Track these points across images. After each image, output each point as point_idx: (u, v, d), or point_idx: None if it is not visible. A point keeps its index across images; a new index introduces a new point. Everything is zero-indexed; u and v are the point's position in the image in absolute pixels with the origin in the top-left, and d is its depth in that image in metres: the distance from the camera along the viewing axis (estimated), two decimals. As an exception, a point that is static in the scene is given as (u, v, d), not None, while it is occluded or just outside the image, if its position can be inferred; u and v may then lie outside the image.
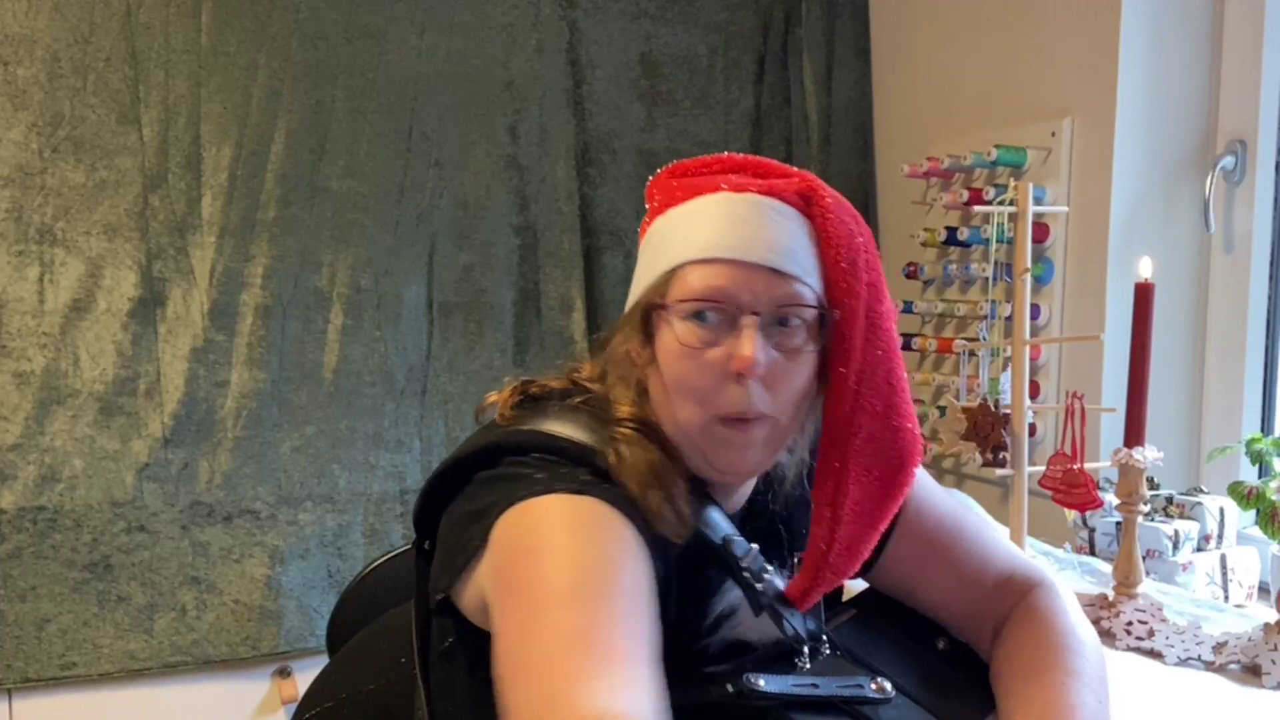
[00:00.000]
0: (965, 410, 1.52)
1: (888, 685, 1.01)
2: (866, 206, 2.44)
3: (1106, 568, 1.53)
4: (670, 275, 0.95)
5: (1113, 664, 1.23)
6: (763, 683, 0.96)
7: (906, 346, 2.19)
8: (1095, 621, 1.31)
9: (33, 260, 1.98)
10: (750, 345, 0.90)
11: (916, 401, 2.21)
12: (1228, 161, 1.76)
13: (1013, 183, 1.59)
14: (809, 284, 0.94)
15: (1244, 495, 1.25)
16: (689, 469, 0.99)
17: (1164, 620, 1.29)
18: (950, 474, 2.19)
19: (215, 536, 2.05)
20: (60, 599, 1.98)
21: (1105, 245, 1.80)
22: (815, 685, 0.99)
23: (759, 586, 0.99)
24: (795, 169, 1.02)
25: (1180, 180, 1.81)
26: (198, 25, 2.05)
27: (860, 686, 1.00)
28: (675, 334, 0.94)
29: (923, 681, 1.06)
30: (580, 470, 0.94)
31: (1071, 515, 1.55)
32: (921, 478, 1.13)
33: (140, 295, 2.03)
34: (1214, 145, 1.80)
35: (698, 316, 0.93)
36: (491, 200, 2.23)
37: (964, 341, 1.88)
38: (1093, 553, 1.65)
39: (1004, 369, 1.57)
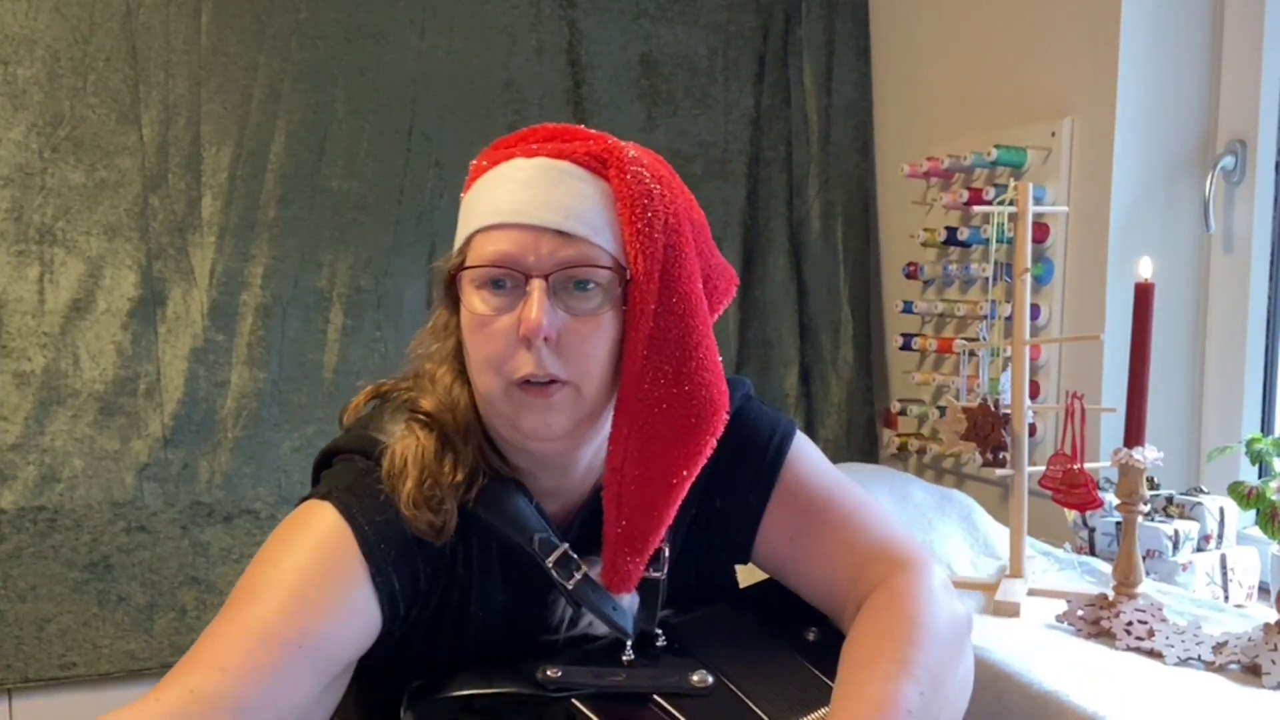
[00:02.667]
0: (965, 410, 1.52)
1: (709, 679, 1.00)
2: (866, 206, 2.44)
3: (1106, 568, 1.53)
4: (466, 244, 0.97)
5: (1113, 664, 1.23)
6: (558, 673, 0.97)
7: (907, 347, 2.19)
8: (1095, 621, 1.31)
9: (33, 260, 1.98)
10: (535, 309, 0.90)
11: (916, 401, 2.22)
12: (1228, 161, 1.76)
13: (1013, 183, 1.59)
14: (600, 245, 0.93)
15: (1244, 495, 1.25)
16: (501, 460, 1.00)
17: (1164, 620, 1.29)
18: (950, 474, 2.19)
19: (215, 536, 2.06)
20: (60, 599, 1.98)
21: (1105, 245, 1.80)
22: (622, 677, 0.99)
23: (569, 585, 0.99)
24: (601, 134, 1.00)
25: (1180, 180, 1.81)
26: (198, 25, 2.05)
27: (678, 680, 0.99)
28: (469, 305, 0.95)
29: (763, 674, 1.03)
30: (353, 473, 0.98)
31: (1071, 515, 1.55)
32: (806, 451, 1.14)
33: (140, 295, 2.03)
34: (1214, 145, 1.80)
35: (490, 285, 0.94)
36: (491, 200, 2.23)
37: (964, 341, 1.88)
38: (1093, 553, 1.65)
39: (1004, 369, 1.57)
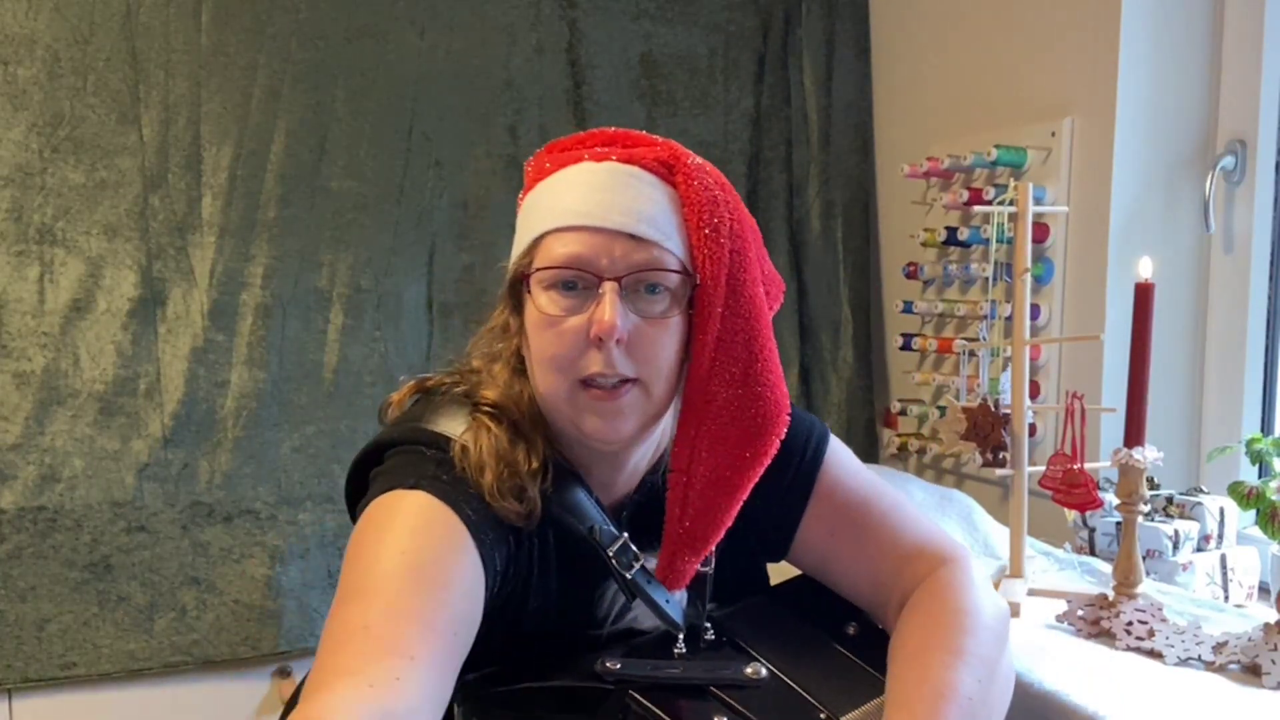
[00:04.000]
0: (965, 410, 1.52)
1: (762, 670, 1.01)
2: (867, 206, 2.44)
3: (1106, 568, 1.53)
4: (534, 245, 0.97)
5: (1113, 664, 1.23)
6: (617, 665, 0.97)
7: (907, 347, 2.19)
8: (1095, 621, 1.31)
9: (33, 260, 1.98)
10: (609, 310, 0.91)
11: (916, 401, 2.22)
12: (1228, 161, 1.76)
13: (1013, 183, 1.59)
14: (670, 250, 0.95)
15: (1244, 495, 1.25)
16: (557, 451, 1.01)
17: (1164, 620, 1.29)
18: (950, 474, 2.19)
19: (215, 536, 2.06)
20: (60, 599, 1.98)
21: (1105, 245, 1.80)
22: (679, 670, 1.00)
23: (628, 575, 1.00)
24: (662, 139, 1.02)
25: (1180, 180, 1.81)
26: (198, 25, 2.05)
27: (732, 672, 1.00)
28: (538, 305, 0.95)
29: (812, 667, 1.04)
30: (429, 463, 0.96)
31: (1071, 515, 1.55)
32: (840, 453, 1.15)
33: (140, 295, 2.03)
34: (1214, 145, 1.80)
35: (559, 286, 0.94)
36: (491, 200, 2.23)
37: (964, 341, 1.88)
38: (1093, 553, 1.65)
39: (1004, 369, 1.57)
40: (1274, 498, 1.23)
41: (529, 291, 0.97)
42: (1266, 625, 1.20)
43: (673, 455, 0.99)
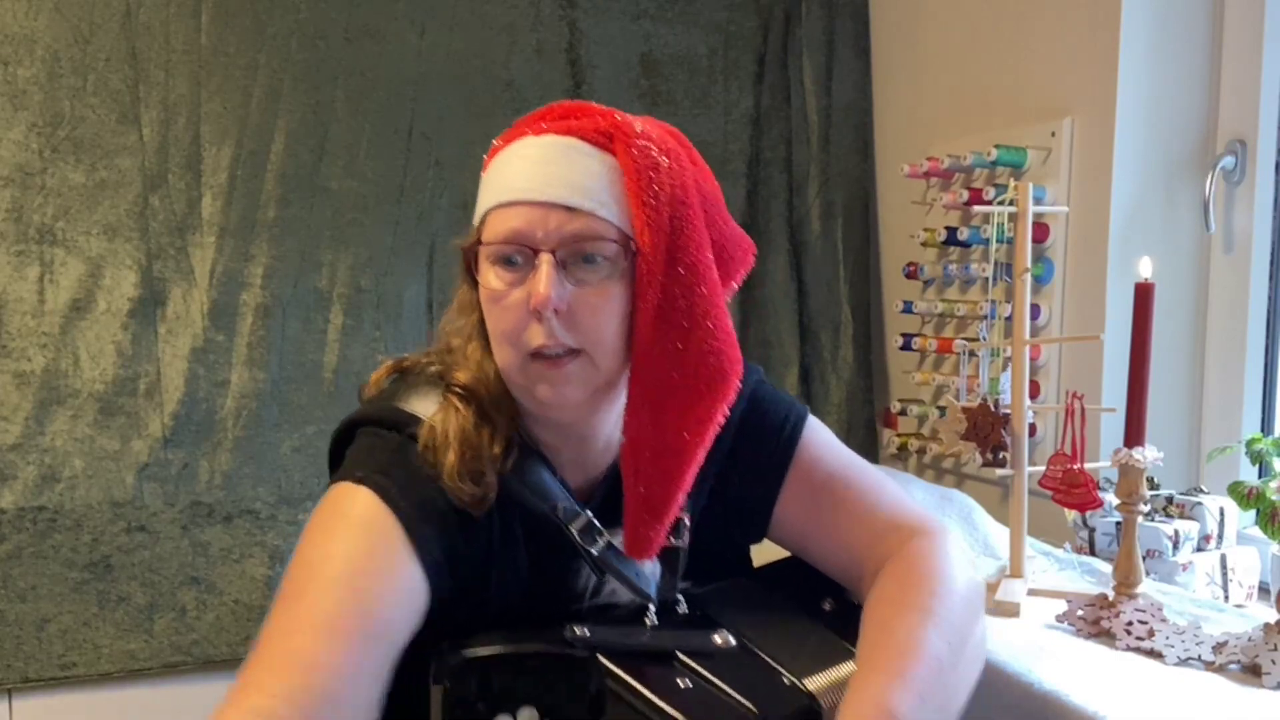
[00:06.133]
0: (965, 410, 1.52)
1: (731, 639, 1.01)
2: (866, 206, 2.44)
3: (1106, 568, 1.53)
4: (482, 222, 1.00)
5: (1113, 664, 1.23)
6: (585, 632, 0.98)
7: (907, 347, 2.19)
8: (1095, 621, 1.31)
9: (33, 260, 1.98)
10: (544, 283, 0.93)
11: (916, 401, 2.22)
12: (1228, 161, 1.76)
13: (1013, 183, 1.59)
14: (607, 219, 0.96)
15: (1244, 495, 1.25)
16: (526, 432, 1.03)
17: (1164, 620, 1.29)
18: (950, 474, 2.20)
19: (215, 536, 2.06)
20: (60, 599, 1.98)
21: (1105, 245, 1.80)
22: (647, 637, 1.01)
23: (593, 550, 1.02)
24: (610, 110, 1.02)
25: (1180, 180, 1.81)
26: (198, 25, 2.05)
27: (701, 640, 1.01)
28: (485, 280, 0.99)
29: (783, 638, 1.05)
30: (387, 450, 1.00)
31: (1071, 515, 1.55)
32: (818, 431, 1.17)
33: (140, 295, 2.03)
34: (1214, 145, 1.80)
35: (502, 261, 0.97)
36: (491, 200, 2.23)
37: (964, 341, 1.88)
38: (1093, 553, 1.65)
39: (1004, 369, 1.57)
40: (1274, 498, 1.23)
41: (478, 267, 1.00)
42: (1266, 625, 1.20)
43: (625, 425, 0.99)
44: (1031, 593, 1.46)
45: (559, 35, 2.28)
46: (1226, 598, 1.60)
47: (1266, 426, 1.78)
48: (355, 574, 0.92)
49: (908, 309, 2.19)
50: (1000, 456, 1.49)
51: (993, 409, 1.49)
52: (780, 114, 2.43)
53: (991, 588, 1.48)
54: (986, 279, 1.94)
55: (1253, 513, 1.25)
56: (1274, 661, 1.16)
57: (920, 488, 1.78)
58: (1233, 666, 1.20)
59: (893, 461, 2.33)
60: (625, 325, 0.98)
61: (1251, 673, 1.18)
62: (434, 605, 0.98)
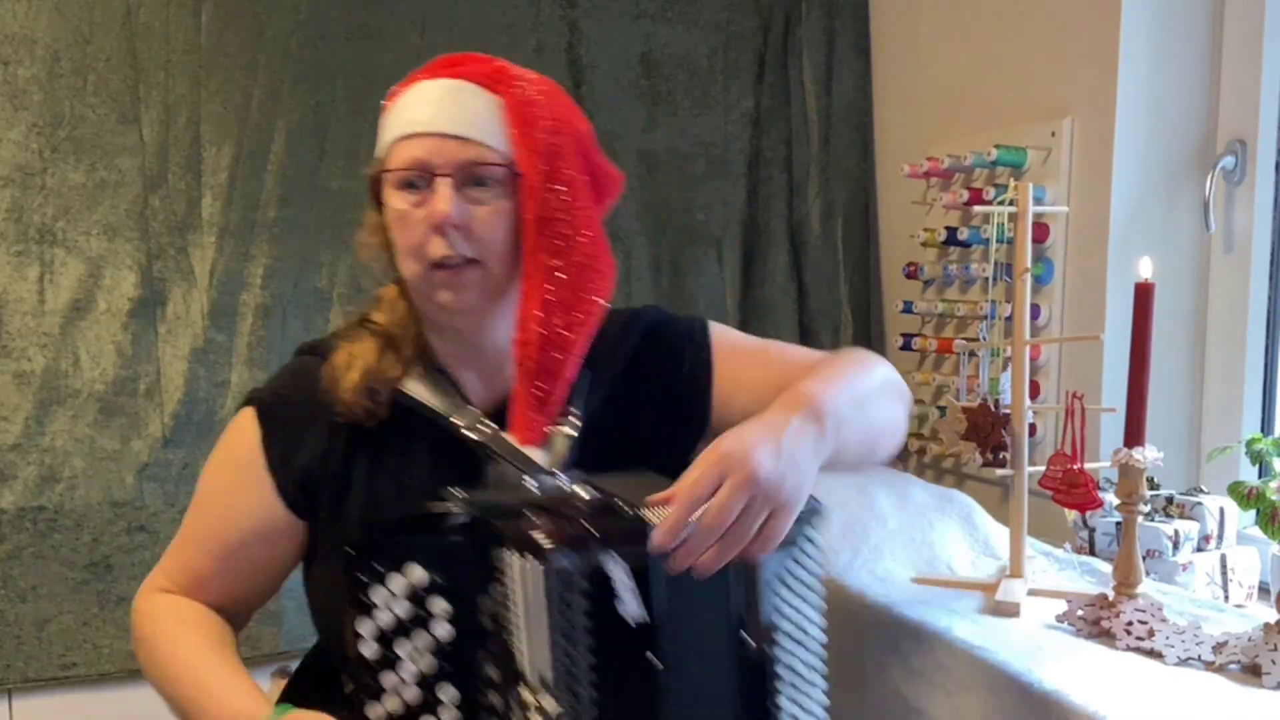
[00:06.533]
0: (965, 410, 1.52)
1: (596, 493, 1.09)
2: (866, 206, 2.44)
3: (1106, 568, 1.53)
4: (386, 154, 1.15)
5: (1113, 664, 1.23)
6: (461, 494, 1.09)
7: (907, 347, 2.19)
8: (1095, 621, 1.31)
9: (33, 260, 1.98)
10: (443, 201, 1.10)
11: (918, 401, 2.22)
12: (1228, 161, 1.76)
13: (1013, 183, 1.59)
14: (493, 147, 1.12)
15: (1244, 495, 1.25)
16: (433, 358, 1.20)
17: (1164, 620, 1.29)
18: (950, 474, 2.19)
19: (215, 536, 2.05)
20: (60, 599, 1.98)
21: (1105, 245, 1.80)
22: (518, 495, 1.11)
23: (474, 436, 1.16)
24: (494, 58, 1.19)
25: (1180, 180, 1.81)
26: (198, 25, 2.05)
27: (564, 494, 1.10)
28: (390, 203, 1.14)
29: (652, 489, 1.08)
30: (293, 368, 1.25)
31: (1071, 515, 1.55)
32: (725, 327, 1.36)
33: (140, 295, 2.03)
34: (1214, 145, 1.80)
35: (405, 186, 1.13)
36: (491, 200, 2.23)
37: (964, 341, 1.88)
38: (1093, 553, 1.65)
39: (1004, 369, 1.57)
40: (1274, 498, 1.23)
41: (384, 193, 1.15)
42: (1266, 625, 1.20)
43: (516, 322, 1.14)
44: (1031, 593, 1.46)
45: (559, 35, 2.28)
46: (1226, 598, 1.60)
47: (1266, 426, 1.78)
48: (216, 501, 1.23)
49: (908, 309, 2.19)
50: (1000, 456, 1.49)
51: (993, 409, 1.49)
52: (780, 114, 2.43)
53: (991, 588, 1.48)
54: (986, 279, 1.94)
55: (1253, 513, 1.25)
56: (1274, 661, 1.16)
57: (920, 488, 1.78)
58: (1233, 666, 1.20)
59: (893, 461, 2.33)
60: (514, 238, 1.14)
61: (1251, 673, 1.18)
62: (315, 501, 1.19)
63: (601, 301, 1.18)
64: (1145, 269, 1.34)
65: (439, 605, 1.05)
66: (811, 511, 1.07)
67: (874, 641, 1.45)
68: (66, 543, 1.99)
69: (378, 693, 1.05)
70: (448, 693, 1.05)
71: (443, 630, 1.05)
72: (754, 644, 1.05)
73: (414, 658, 1.05)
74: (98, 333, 2.01)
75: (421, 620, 1.05)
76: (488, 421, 1.17)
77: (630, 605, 0.98)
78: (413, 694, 1.05)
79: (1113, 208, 1.78)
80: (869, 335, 2.43)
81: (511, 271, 1.15)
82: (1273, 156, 1.75)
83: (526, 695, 1.00)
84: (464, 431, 1.16)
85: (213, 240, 2.07)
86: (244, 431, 1.22)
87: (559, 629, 0.98)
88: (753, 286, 2.41)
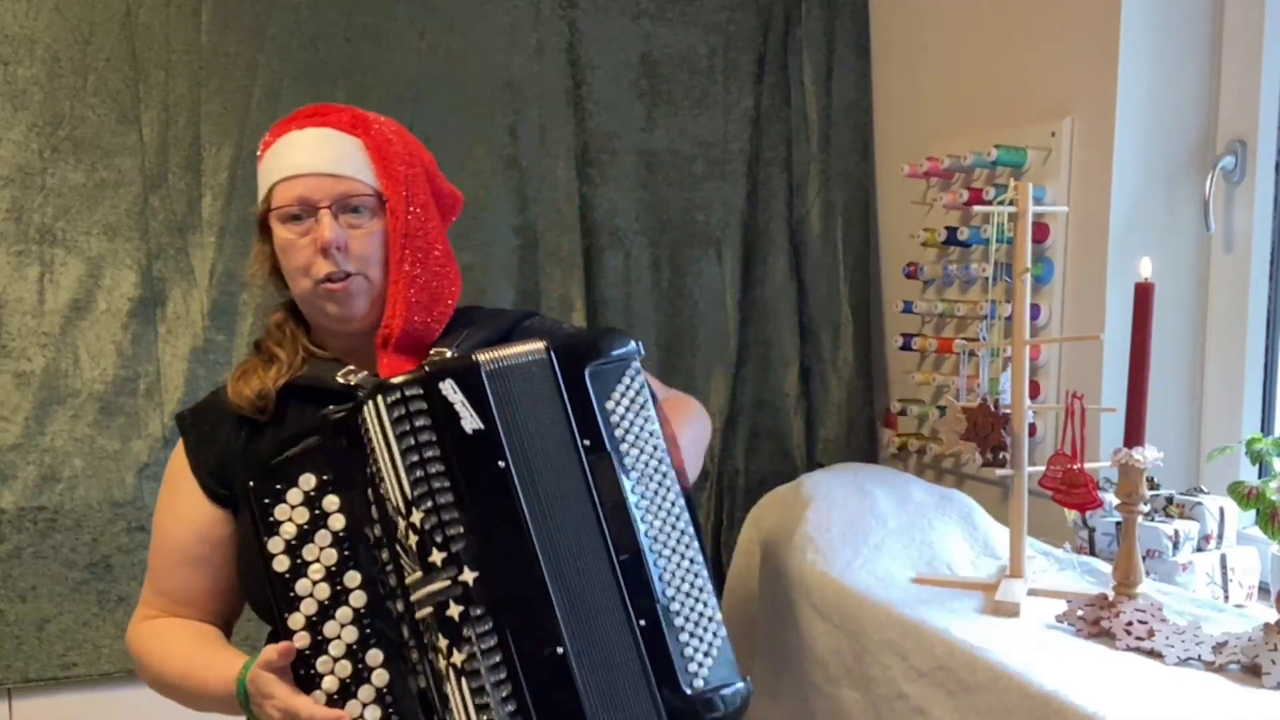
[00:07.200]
0: (965, 410, 1.52)
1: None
2: (866, 206, 2.44)
3: (1106, 568, 1.53)
4: (270, 194, 1.34)
5: (1113, 664, 1.23)
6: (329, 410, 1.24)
7: (907, 347, 2.19)
8: (1095, 621, 1.31)
9: (33, 260, 1.98)
10: (326, 229, 1.30)
11: (916, 401, 2.22)
12: (1228, 161, 1.76)
13: (1013, 183, 1.59)
14: (362, 180, 1.33)
15: (1244, 495, 1.25)
16: (316, 356, 1.38)
17: (1164, 620, 1.29)
18: (950, 474, 2.20)
19: (215, 536, 2.05)
20: (60, 599, 1.98)
21: (1105, 245, 1.80)
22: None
23: (343, 380, 1.32)
24: (350, 107, 1.39)
25: (1180, 180, 1.81)
26: (198, 25, 2.05)
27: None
28: (279, 235, 1.33)
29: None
30: (209, 395, 1.44)
31: (1071, 515, 1.55)
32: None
33: (140, 295, 2.03)
34: (1214, 145, 1.80)
35: (290, 219, 1.32)
36: (491, 200, 2.23)
37: (964, 341, 1.88)
38: (1093, 553, 1.65)
39: (1004, 369, 1.57)
40: (1274, 498, 1.23)
41: (274, 228, 1.34)
42: (1266, 625, 1.20)
43: (384, 316, 1.33)
44: (1031, 593, 1.46)
45: (559, 35, 2.28)
46: (1226, 598, 1.60)
47: (1266, 426, 1.78)
48: (163, 521, 1.41)
49: (908, 309, 2.19)
50: (1000, 456, 1.49)
51: (993, 409, 1.49)
52: (780, 114, 2.43)
53: (991, 588, 1.48)
54: (986, 279, 1.94)
55: (1253, 513, 1.25)
56: (1274, 661, 1.16)
57: (920, 488, 1.78)
58: (1233, 666, 1.20)
59: (893, 461, 2.33)
60: (384, 252, 1.34)
61: (1251, 673, 1.18)
62: (232, 495, 1.34)
63: (452, 303, 1.39)
64: (1145, 269, 1.34)
65: (330, 502, 1.19)
66: (633, 356, 1.28)
67: (875, 641, 1.45)
68: (66, 543, 1.99)
69: (296, 601, 1.17)
70: (352, 578, 1.17)
71: (337, 522, 1.19)
72: (590, 443, 1.20)
73: (319, 556, 1.18)
74: (98, 333, 2.01)
75: (319, 520, 1.19)
76: (358, 370, 1.35)
77: (466, 417, 1.17)
78: (323, 590, 1.17)
79: (1113, 208, 1.78)
80: (869, 335, 2.43)
81: (384, 278, 1.35)
82: (1273, 156, 1.75)
83: (401, 527, 1.14)
84: (338, 379, 1.33)
85: (213, 240, 2.07)
86: (176, 451, 1.40)
87: (410, 452, 1.14)
88: (752, 286, 2.41)
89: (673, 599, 1.19)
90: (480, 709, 1.09)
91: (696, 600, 1.21)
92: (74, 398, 2.00)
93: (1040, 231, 1.88)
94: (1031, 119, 1.93)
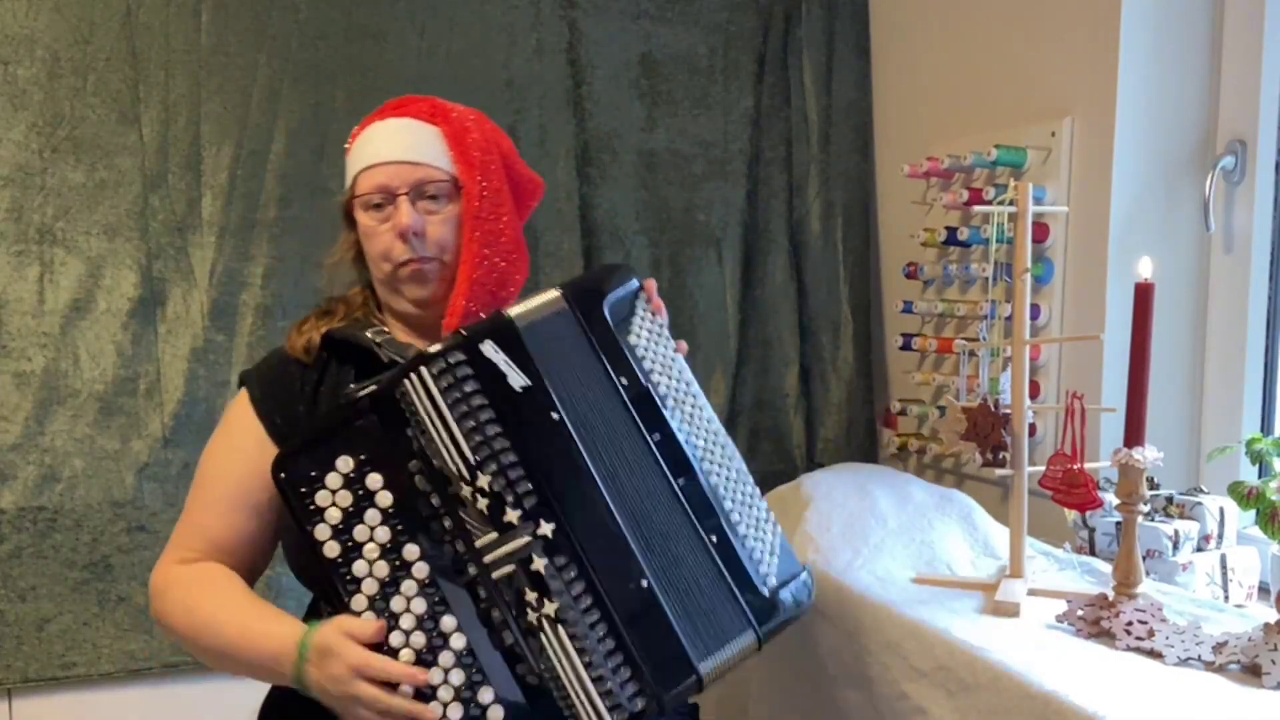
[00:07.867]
0: (965, 410, 1.52)
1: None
2: (866, 206, 2.44)
3: (1106, 568, 1.53)
4: (354, 183, 1.42)
5: (1113, 664, 1.23)
6: (356, 385, 1.26)
7: (907, 347, 2.19)
8: (1095, 621, 1.31)
9: (33, 260, 1.98)
10: (403, 214, 1.36)
11: (916, 401, 2.22)
12: (1228, 161, 1.76)
13: (1013, 183, 1.59)
14: (439, 167, 1.39)
15: (1244, 495, 1.25)
16: (395, 325, 1.43)
17: (1164, 620, 1.29)
18: (950, 474, 2.20)
19: (215, 536, 2.05)
20: (60, 599, 1.98)
21: (1105, 245, 1.80)
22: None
23: (385, 347, 1.37)
24: (431, 98, 1.46)
25: (1180, 180, 1.81)
26: (198, 25, 2.05)
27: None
28: (362, 222, 1.41)
29: None
30: (272, 351, 1.47)
31: (1071, 515, 1.55)
32: None
33: (140, 295, 2.03)
34: (1214, 145, 1.80)
35: (372, 206, 1.39)
36: (491, 200, 2.23)
37: (964, 341, 1.88)
38: (1093, 553, 1.65)
39: (1004, 369, 1.57)
40: (1274, 498, 1.23)
41: (358, 214, 1.41)
42: (1266, 625, 1.20)
43: (454, 294, 1.37)
44: (1031, 593, 1.46)
45: (559, 35, 2.28)
46: (1226, 598, 1.60)
47: (1266, 426, 1.78)
48: (217, 464, 1.39)
49: (908, 309, 2.19)
50: (1000, 456, 1.49)
51: (993, 409, 1.49)
52: (780, 114, 2.43)
53: (991, 588, 1.48)
54: (986, 279, 1.94)
55: (1253, 513, 1.25)
56: (1274, 661, 1.16)
57: (920, 488, 1.78)
58: (1233, 666, 1.20)
59: (893, 461, 2.33)
60: (459, 237, 1.39)
61: (1251, 673, 1.18)
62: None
63: (516, 289, 1.43)
64: (1145, 269, 1.34)
65: (374, 480, 1.20)
66: (638, 288, 1.32)
67: (875, 641, 1.45)
68: (66, 543, 1.99)
69: (356, 583, 1.18)
70: (411, 551, 1.18)
71: (385, 499, 1.19)
72: (627, 381, 1.24)
73: (371, 535, 1.18)
74: (98, 333, 2.01)
75: (363, 500, 1.19)
76: (400, 340, 1.39)
77: (511, 375, 1.21)
78: (382, 569, 1.18)
79: (1112, 207, 1.78)
80: (869, 335, 2.43)
81: (458, 262, 1.39)
82: (1273, 156, 1.75)
83: (465, 492, 1.17)
84: (367, 334, 1.37)
85: (213, 240, 2.07)
86: (237, 403, 1.41)
87: (467, 418, 1.18)
88: (752, 286, 2.41)
89: (731, 510, 1.25)
90: (581, 652, 1.13)
91: (751, 505, 1.27)
92: (74, 398, 2.00)
93: (1040, 231, 1.88)
94: (1031, 119, 1.93)
